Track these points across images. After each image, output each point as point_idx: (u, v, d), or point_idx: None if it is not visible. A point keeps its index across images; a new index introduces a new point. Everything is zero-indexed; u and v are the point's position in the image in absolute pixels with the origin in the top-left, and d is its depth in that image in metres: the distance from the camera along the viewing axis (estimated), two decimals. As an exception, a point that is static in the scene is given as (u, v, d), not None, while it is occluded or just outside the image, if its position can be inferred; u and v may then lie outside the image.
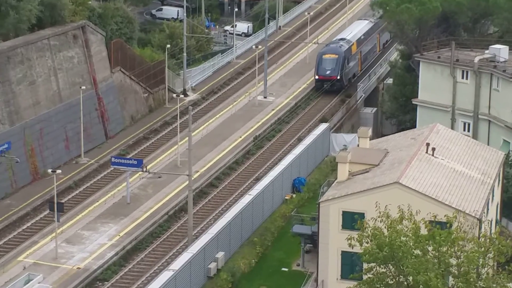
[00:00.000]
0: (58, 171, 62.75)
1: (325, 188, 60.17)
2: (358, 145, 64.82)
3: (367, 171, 58.27)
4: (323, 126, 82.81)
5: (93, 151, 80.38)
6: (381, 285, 40.61)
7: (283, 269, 61.83)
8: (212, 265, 58.86)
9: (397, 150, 61.17)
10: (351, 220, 49.60)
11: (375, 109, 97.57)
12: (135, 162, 69.30)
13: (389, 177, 55.30)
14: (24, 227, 65.75)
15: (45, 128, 75.83)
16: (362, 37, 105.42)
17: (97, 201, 70.19)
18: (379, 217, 41.49)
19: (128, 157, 76.22)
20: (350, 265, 53.48)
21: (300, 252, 62.20)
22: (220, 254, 59.74)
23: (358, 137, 64.23)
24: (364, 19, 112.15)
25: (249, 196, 65.98)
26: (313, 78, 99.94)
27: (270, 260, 63.07)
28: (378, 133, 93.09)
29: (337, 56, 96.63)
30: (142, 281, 58.49)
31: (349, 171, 58.79)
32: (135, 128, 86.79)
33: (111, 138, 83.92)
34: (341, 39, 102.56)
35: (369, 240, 40.76)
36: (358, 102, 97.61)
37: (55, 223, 61.51)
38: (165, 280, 53.27)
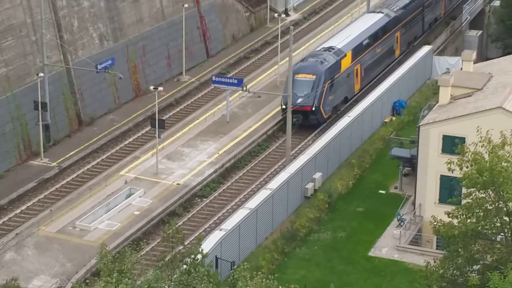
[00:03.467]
0: (160, 88, 63.51)
1: (426, 111, 59.49)
2: (461, 69, 63.65)
3: (470, 95, 57.28)
4: (426, 49, 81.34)
5: (194, 69, 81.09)
6: (480, 211, 40.11)
7: (380, 191, 61.70)
8: (309, 185, 59.11)
9: (502, 74, 59.79)
10: (451, 144, 48.98)
11: (481, 32, 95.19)
12: (235, 81, 69.62)
13: (492, 101, 54.24)
14: (126, 142, 67.16)
15: (148, 45, 76.71)
16: (367, 41, 76.64)
17: (197, 119, 71.00)
18: (480, 142, 40.80)
19: (228, 76, 76.67)
20: (448, 189, 53.08)
21: (398, 175, 61.89)
22: (317, 175, 59.91)
23: (462, 61, 63.14)
24: (379, 12, 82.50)
25: (348, 118, 65.66)
26: None
27: (367, 182, 63.00)
28: (482, 57, 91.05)
29: (314, 77, 68.76)
30: (240, 198, 59.22)
31: (451, 94, 57.89)
32: (236, 47, 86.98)
33: (212, 57, 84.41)
34: (328, 48, 73.04)
35: (469, 165, 40.19)
36: (463, 24, 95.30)
37: (156, 140, 62.57)
38: (262, 198, 53.81)
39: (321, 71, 69.01)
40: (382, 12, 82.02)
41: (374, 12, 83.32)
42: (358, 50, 74.79)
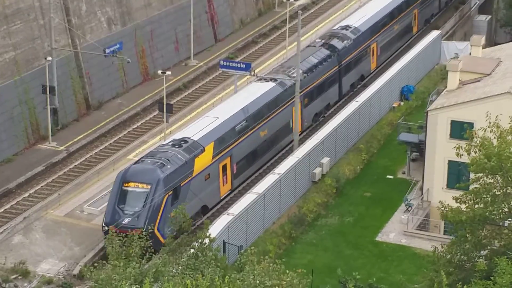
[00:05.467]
0: (168, 72, 63.51)
1: (434, 96, 59.35)
2: (470, 54, 63.42)
3: (478, 80, 57.11)
4: (435, 34, 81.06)
5: (202, 53, 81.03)
6: (488, 196, 40.06)
7: (388, 176, 61.66)
8: (317, 170, 59.07)
9: (511, 59, 59.59)
10: (460, 130, 48.94)
11: (489, 16, 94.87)
12: (243, 66, 69.34)
13: (501, 87, 54.08)
14: (134, 126, 67.22)
15: (156, 29, 76.62)
16: (242, 124, 57.30)
17: (205, 103, 70.96)
18: (488, 127, 40.72)
19: (236, 60, 76.53)
20: (456, 174, 53.06)
21: (406, 160, 61.84)
22: (325, 160, 59.88)
23: (471, 45, 62.89)
24: (271, 79, 63.00)
25: (356, 103, 65.56)
26: None
27: (375, 167, 62.96)
28: (491, 42, 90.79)
29: (148, 187, 49.77)
30: (248, 183, 59.19)
31: (459, 79, 57.72)
32: (244, 31, 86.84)
33: (220, 41, 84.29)
34: (179, 141, 53.51)
35: (477, 150, 40.14)
36: (472, 9, 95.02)
37: (164, 124, 62.57)
38: (270, 183, 53.77)
39: (159, 178, 49.62)
40: (275, 80, 62.58)
41: (264, 79, 63.65)
42: (226, 140, 55.68)
